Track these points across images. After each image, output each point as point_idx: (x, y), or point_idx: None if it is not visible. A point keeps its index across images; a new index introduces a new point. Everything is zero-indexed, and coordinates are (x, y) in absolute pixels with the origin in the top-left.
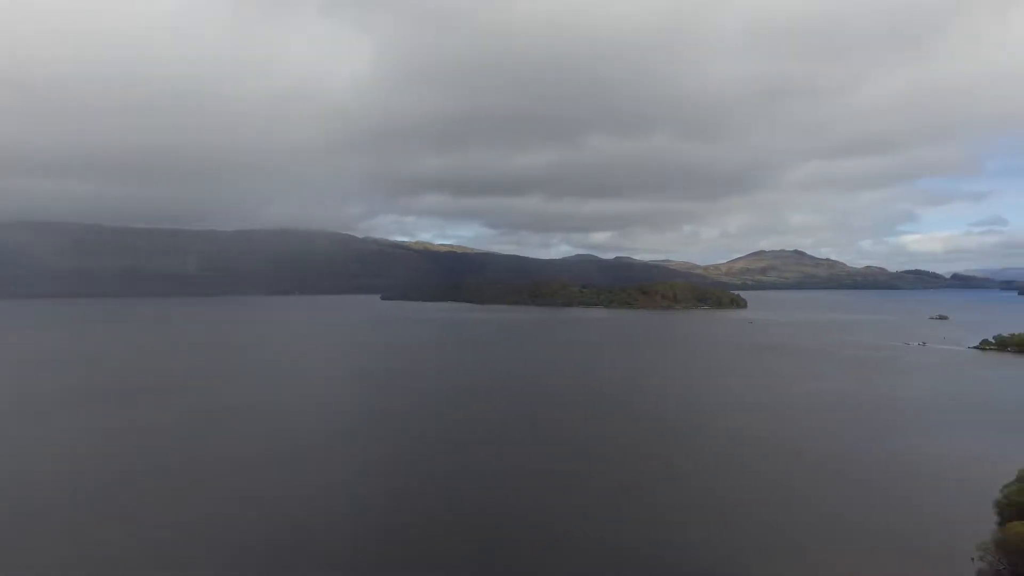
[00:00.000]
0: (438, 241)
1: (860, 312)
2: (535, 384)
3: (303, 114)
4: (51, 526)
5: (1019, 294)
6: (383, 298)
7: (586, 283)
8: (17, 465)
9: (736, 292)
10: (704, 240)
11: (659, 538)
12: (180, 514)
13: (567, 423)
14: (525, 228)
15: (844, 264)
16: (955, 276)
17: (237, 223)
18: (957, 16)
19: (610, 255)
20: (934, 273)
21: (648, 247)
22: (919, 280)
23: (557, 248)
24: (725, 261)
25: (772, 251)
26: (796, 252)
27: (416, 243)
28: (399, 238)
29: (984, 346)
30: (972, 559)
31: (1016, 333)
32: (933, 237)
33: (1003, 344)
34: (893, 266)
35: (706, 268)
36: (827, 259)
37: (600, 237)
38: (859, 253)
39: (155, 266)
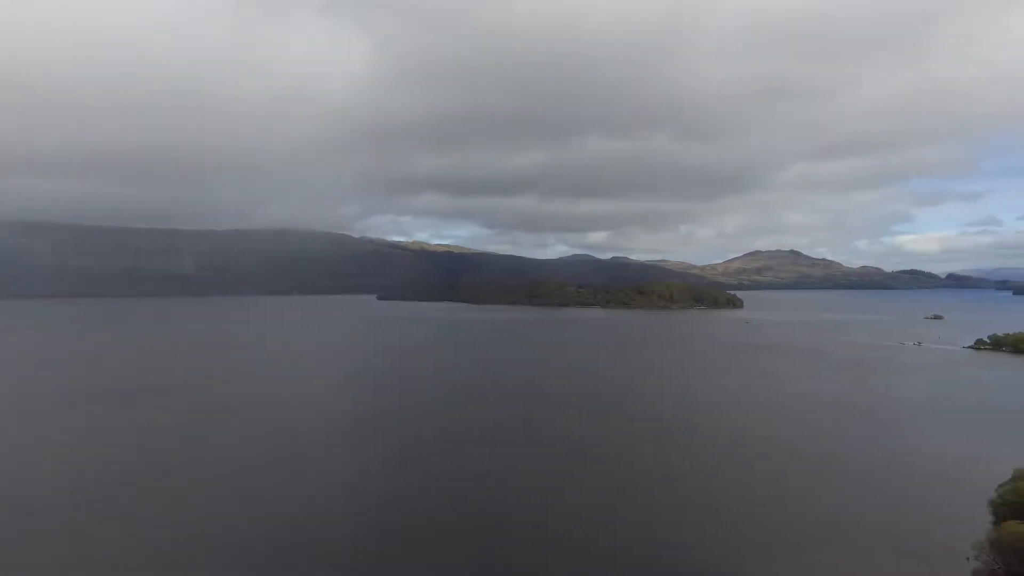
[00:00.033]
0: (434, 241)
1: (855, 312)
2: (531, 384)
3: (300, 114)
4: (51, 526)
5: (1013, 294)
6: (379, 298)
7: (582, 283)
8: (17, 465)
9: (732, 292)
10: (700, 240)
11: (656, 538)
12: (180, 514)
13: (563, 423)
14: (521, 228)
15: (840, 264)
16: (950, 276)
17: (234, 223)
18: (950, 17)
19: (606, 255)
20: (929, 273)
21: (644, 247)
22: (914, 280)
23: (553, 248)
24: (721, 261)
25: (768, 251)
26: (792, 252)
27: (412, 243)
28: (395, 238)
29: (979, 346)
30: (967, 558)
31: (1011, 333)
32: (928, 237)
33: (998, 344)
34: (889, 266)
35: (702, 268)
36: (823, 259)
37: (596, 237)
38: (855, 253)
39: (152, 266)
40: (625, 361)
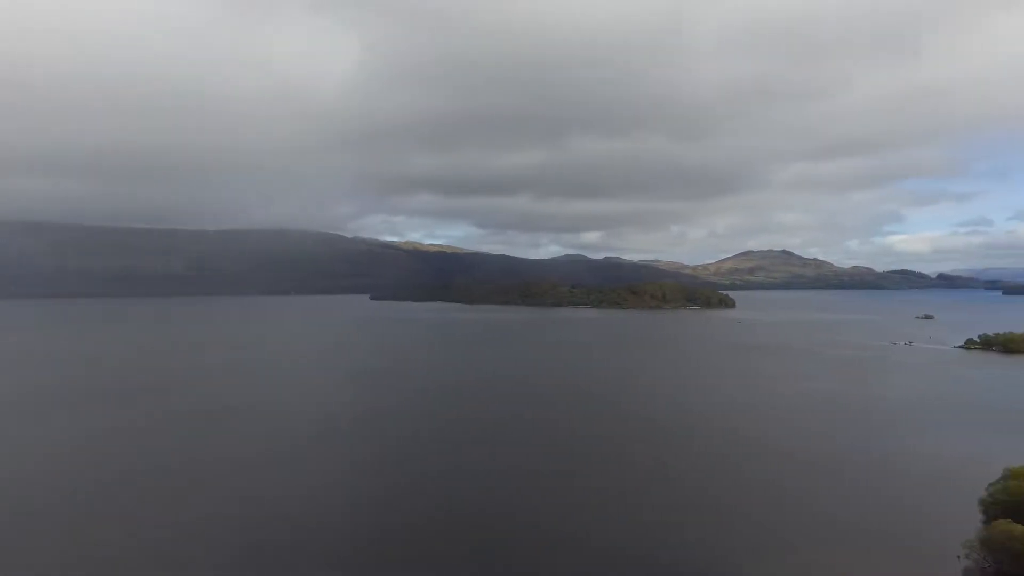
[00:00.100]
0: (427, 241)
1: (847, 312)
2: (526, 384)
3: (293, 113)
4: (51, 526)
5: (1003, 294)
6: (372, 298)
7: (575, 283)
8: (17, 465)
9: (725, 292)
10: (693, 240)
11: (652, 538)
12: (180, 514)
13: (558, 423)
14: (514, 228)
15: (831, 264)
16: (941, 276)
17: (225, 223)
18: (941, 19)
19: (599, 255)
20: (920, 273)
21: (637, 247)
22: (905, 280)
23: (546, 248)
24: (714, 261)
25: (760, 251)
26: (784, 252)
27: (405, 243)
28: (388, 238)
29: (969, 345)
30: (958, 557)
31: (1000, 333)
32: (919, 237)
33: (987, 343)
34: (880, 266)
35: (695, 268)
36: (815, 259)
37: (589, 237)
38: (846, 253)
39: (142, 266)
40: (619, 361)
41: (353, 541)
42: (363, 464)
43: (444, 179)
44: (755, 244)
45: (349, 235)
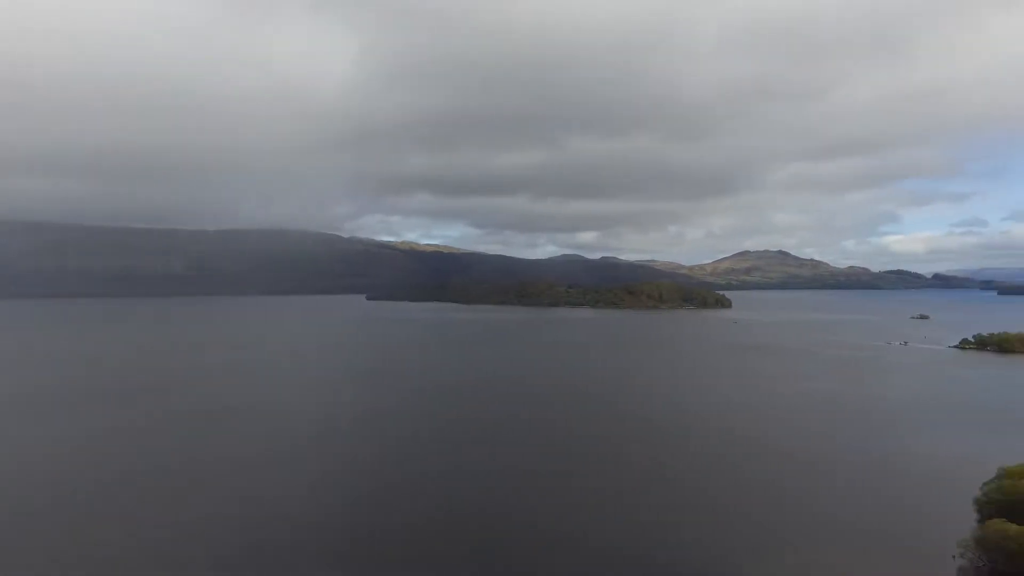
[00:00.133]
0: (424, 241)
1: (843, 312)
2: (523, 384)
3: (290, 113)
4: (51, 526)
5: (998, 294)
6: (368, 298)
7: (572, 283)
8: (17, 465)
9: (721, 292)
10: (689, 240)
11: (650, 538)
12: (180, 514)
13: (555, 423)
14: (511, 228)
15: (827, 264)
16: (936, 276)
17: (222, 223)
18: (936, 21)
19: (596, 255)
20: (916, 273)
21: (634, 247)
22: (901, 280)
23: (543, 248)
24: (710, 261)
25: (756, 251)
26: (780, 252)
27: (402, 243)
28: (385, 238)
29: (964, 345)
30: (953, 556)
31: (995, 333)
32: (915, 238)
33: (982, 343)
34: (876, 266)
35: (691, 268)
36: (811, 259)
37: (586, 237)
38: (842, 253)
39: (138, 266)
40: (616, 361)
41: (353, 541)
42: (362, 464)
43: (441, 179)
44: (751, 244)
45: (346, 235)
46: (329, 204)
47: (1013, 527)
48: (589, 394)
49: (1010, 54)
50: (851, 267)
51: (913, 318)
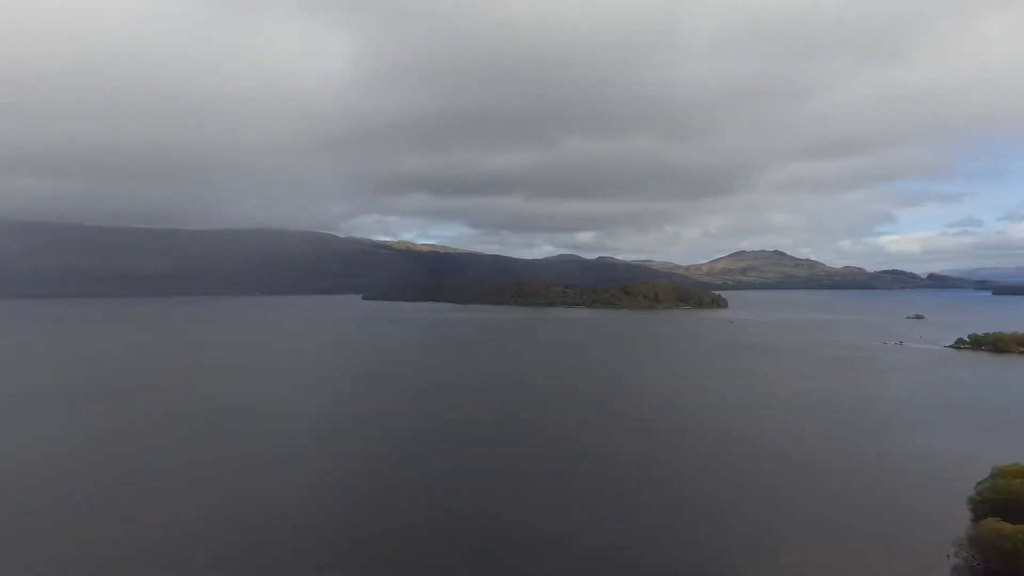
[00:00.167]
0: (420, 241)
1: (839, 312)
2: (520, 384)
3: (285, 113)
4: (51, 526)
5: (993, 294)
6: (364, 298)
7: (569, 283)
8: (17, 465)
9: (717, 292)
10: (685, 240)
11: (646, 538)
12: (180, 514)
13: (552, 423)
14: (507, 228)
15: (823, 264)
16: (931, 276)
17: (218, 223)
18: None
19: (592, 255)
20: (911, 273)
21: (630, 247)
22: (896, 280)
23: (540, 248)
24: (706, 261)
25: (752, 251)
26: (776, 252)
27: (398, 243)
28: (381, 238)
29: (959, 345)
30: (948, 556)
31: (990, 332)
32: (910, 238)
33: (977, 343)
34: (871, 266)
35: (687, 268)
36: (806, 259)
37: (583, 237)
38: (838, 253)
39: (132, 265)
40: (612, 361)
41: (353, 541)
42: (362, 464)
43: (437, 179)
44: (747, 244)
45: (342, 235)
46: (325, 204)
47: (1007, 526)
48: (586, 394)
49: (1004, 55)
50: (847, 267)
51: (908, 318)
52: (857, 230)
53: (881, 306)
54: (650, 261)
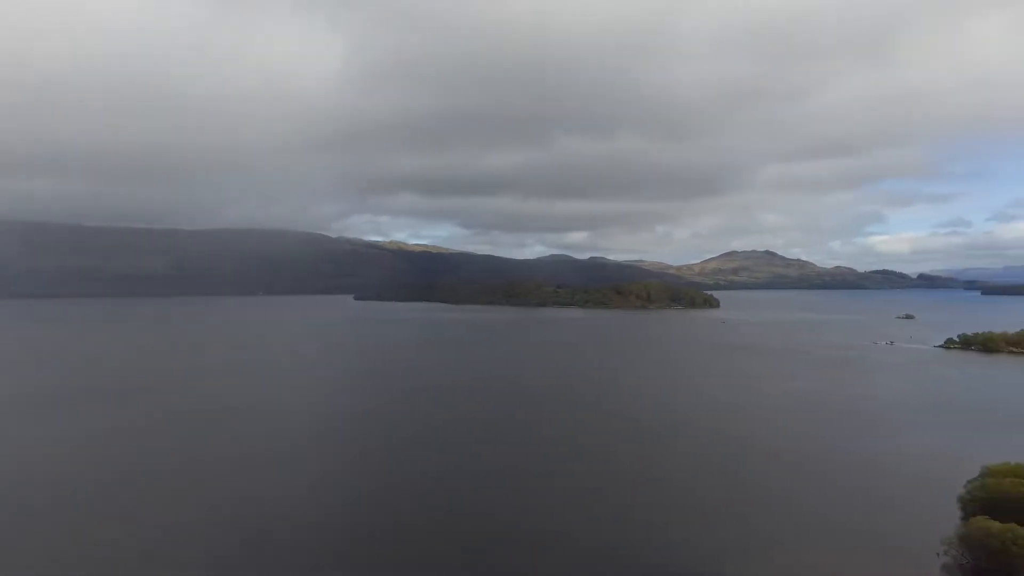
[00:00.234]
0: (412, 241)
1: (830, 312)
2: (515, 384)
3: (276, 112)
4: (51, 526)
5: (982, 294)
6: (356, 298)
7: (561, 283)
8: (17, 465)
9: (709, 292)
10: (677, 240)
11: (640, 538)
12: (180, 514)
13: (547, 423)
14: (499, 228)
15: (814, 264)
16: (921, 276)
17: (208, 222)
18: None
19: (584, 255)
20: (901, 273)
21: (622, 247)
22: (886, 280)
23: (531, 248)
24: (698, 261)
25: (744, 251)
26: (767, 252)
27: (390, 243)
28: (373, 238)
29: (948, 345)
30: (938, 554)
31: (979, 332)
32: (900, 238)
33: (967, 343)
34: (861, 266)
35: (679, 268)
36: (797, 259)
37: (575, 237)
38: (828, 253)
39: (132, 265)
40: (605, 361)
41: (353, 541)
42: (361, 464)
43: (429, 179)
44: (739, 244)
45: (333, 235)
46: (317, 204)
47: (996, 524)
48: (580, 394)
49: (995, 57)
50: (837, 267)
51: (898, 318)
52: (847, 230)
53: (871, 306)
54: (642, 261)
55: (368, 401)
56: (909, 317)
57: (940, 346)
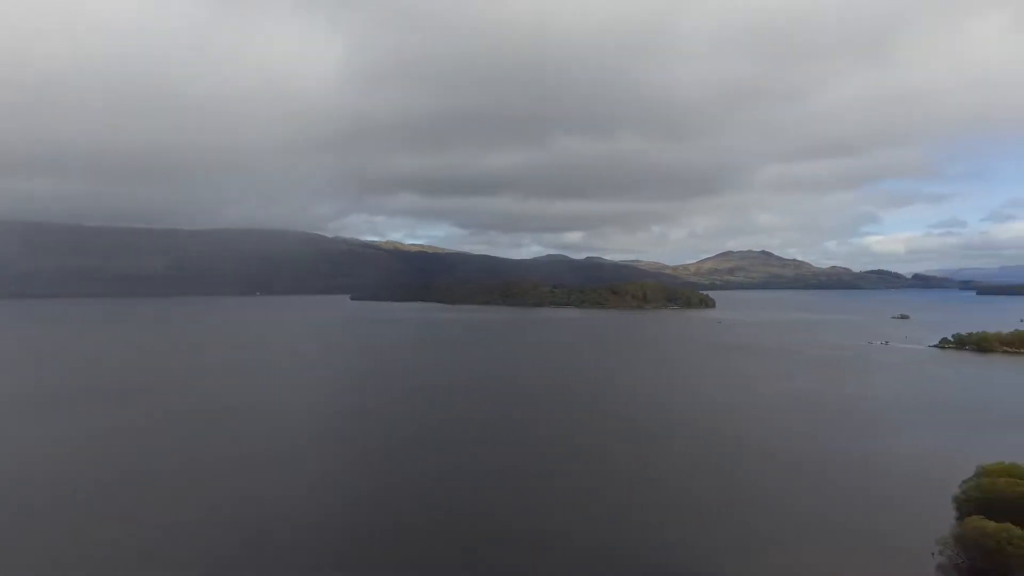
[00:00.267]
0: (409, 241)
1: (825, 312)
2: (512, 384)
3: (276, 112)
4: (51, 526)
5: (977, 294)
6: (353, 298)
7: (557, 283)
8: (17, 465)
9: (705, 292)
10: (673, 240)
11: (637, 537)
12: (180, 514)
13: (544, 423)
14: (496, 228)
15: (810, 264)
16: (916, 276)
17: (204, 222)
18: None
19: (581, 255)
20: (896, 273)
21: (618, 247)
22: (882, 280)
23: (528, 248)
24: (694, 261)
25: (740, 251)
26: (763, 253)
27: (386, 243)
28: (369, 238)
29: (943, 345)
30: (933, 554)
31: (974, 332)
32: (895, 238)
33: (961, 343)
34: (857, 266)
35: (675, 268)
36: (793, 259)
37: (571, 237)
38: (824, 253)
39: (132, 265)
40: (601, 361)
41: (353, 541)
42: (360, 464)
43: (426, 179)
44: (735, 244)
45: (330, 235)
46: (313, 204)
47: (991, 524)
48: (576, 394)
49: (992, 57)
50: (833, 267)
51: (894, 318)
52: (843, 231)
53: (867, 306)
54: (638, 261)
55: (367, 401)
56: (904, 317)
57: (935, 346)
